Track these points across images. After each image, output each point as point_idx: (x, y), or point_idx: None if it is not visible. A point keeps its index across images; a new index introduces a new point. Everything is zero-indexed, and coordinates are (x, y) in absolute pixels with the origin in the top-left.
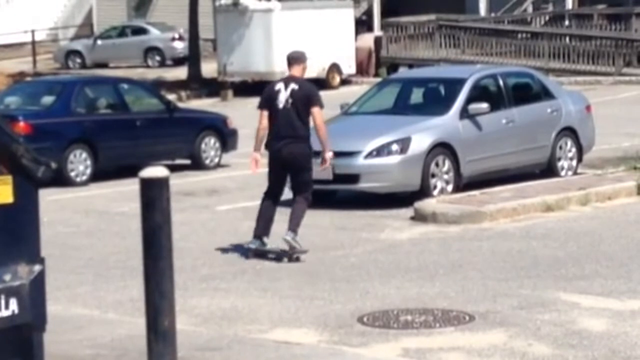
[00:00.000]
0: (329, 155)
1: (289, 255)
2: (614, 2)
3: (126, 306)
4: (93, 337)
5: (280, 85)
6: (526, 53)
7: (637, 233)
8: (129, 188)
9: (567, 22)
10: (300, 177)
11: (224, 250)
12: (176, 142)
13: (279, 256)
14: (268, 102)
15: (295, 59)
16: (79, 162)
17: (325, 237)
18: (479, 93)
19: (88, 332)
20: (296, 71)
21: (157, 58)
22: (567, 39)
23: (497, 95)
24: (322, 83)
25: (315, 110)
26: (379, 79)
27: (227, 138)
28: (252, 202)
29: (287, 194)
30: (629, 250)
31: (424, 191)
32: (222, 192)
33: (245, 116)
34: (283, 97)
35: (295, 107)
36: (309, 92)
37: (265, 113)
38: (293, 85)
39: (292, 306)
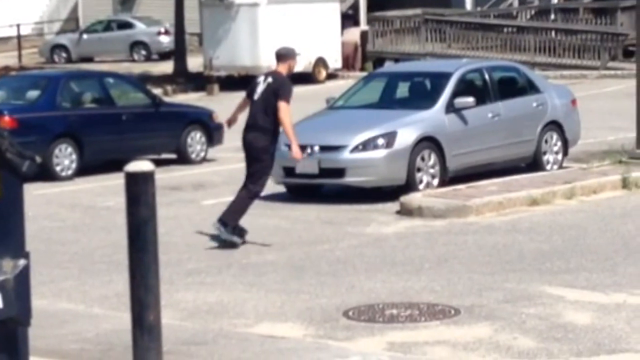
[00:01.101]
0: (294, 150)
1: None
2: None
3: (111, 300)
4: (78, 331)
5: (261, 78)
6: (512, 47)
7: (622, 227)
8: (115, 182)
9: (552, 16)
10: (252, 167)
11: (210, 244)
12: (162, 136)
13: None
14: (249, 93)
15: (281, 55)
16: (65, 157)
17: (311, 231)
18: (465, 87)
19: (73, 327)
20: (281, 67)
21: (143, 52)
22: (553, 33)
23: (482, 90)
24: (308, 77)
25: (280, 104)
26: (365, 73)
27: (213, 132)
28: None
29: (274, 188)
30: (614, 243)
31: (409, 185)
32: (208, 187)
33: (231, 110)
34: (259, 89)
35: (265, 100)
36: (279, 85)
37: (248, 101)
38: (269, 79)
39: (277, 300)
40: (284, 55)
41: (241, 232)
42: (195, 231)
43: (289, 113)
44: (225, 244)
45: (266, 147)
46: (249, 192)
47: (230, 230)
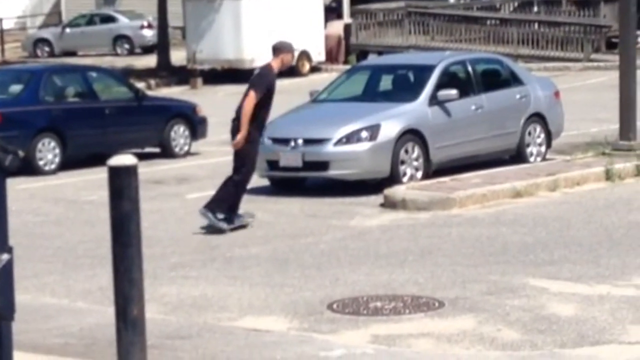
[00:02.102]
0: (237, 139)
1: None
2: None
3: (95, 295)
4: (62, 326)
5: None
6: (495, 39)
7: (605, 218)
8: (98, 176)
9: (535, 9)
10: (234, 156)
11: (194, 238)
12: (145, 130)
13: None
14: None
15: (275, 49)
16: (48, 151)
17: (295, 225)
18: (448, 79)
19: (57, 321)
20: (274, 61)
21: (126, 46)
22: (536, 25)
23: (466, 82)
24: (291, 70)
25: (248, 92)
26: (348, 66)
27: (196, 126)
28: None
29: (258, 181)
30: (597, 235)
31: (393, 178)
32: (192, 180)
33: (215, 104)
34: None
35: (246, 90)
36: (255, 75)
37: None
38: (256, 71)
39: (261, 293)
40: (276, 49)
41: (232, 220)
42: (181, 223)
43: (251, 103)
44: (212, 229)
45: (251, 133)
46: (232, 180)
47: (214, 216)
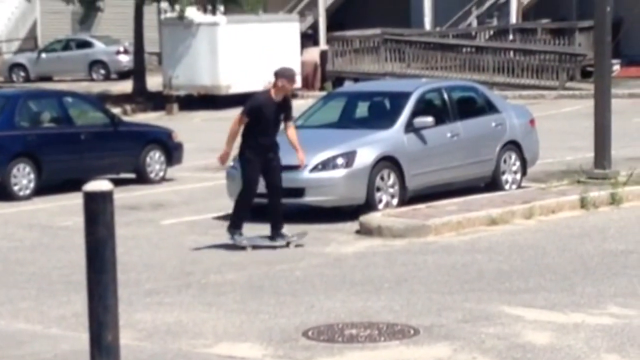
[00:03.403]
0: (222, 153)
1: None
2: (557, 17)
3: (69, 321)
4: (36, 352)
5: None
6: (471, 67)
7: (580, 247)
8: (73, 202)
9: (511, 37)
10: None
11: (169, 264)
12: (121, 155)
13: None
14: None
15: (274, 74)
16: (23, 176)
17: (271, 251)
18: (424, 107)
19: (31, 347)
20: (274, 86)
21: (102, 71)
22: (512, 53)
23: (442, 109)
24: None
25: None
26: (324, 93)
27: (172, 152)
28: (197, 216)
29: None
30: (572, 263)
31: (369, 205)
32: (167, 206)
33: (191, 130)
34: None
35: None
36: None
37: None
38: None
39: (236, 320)
40: (275, 75)
41: (275, 237)
42: (156, 249)
43: (234, 123)
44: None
45: (240, 155)
46: (238, 196)
47: (232, 233)
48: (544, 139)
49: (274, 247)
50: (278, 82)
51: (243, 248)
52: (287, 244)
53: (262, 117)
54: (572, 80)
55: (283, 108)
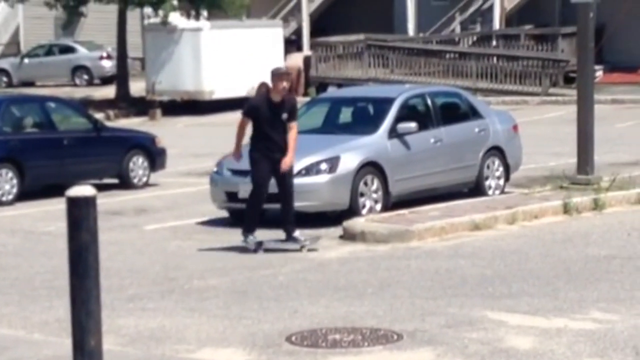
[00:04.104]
0: (233, 152)
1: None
2: (540, 23)
3: (52, 326)
4: (19, 357)
5: None
6: (454, 73)
7: (563, 252)
8: (56, 207)
9: (494, 43)
10: None
11: (152, 269)
12: (104, 161)
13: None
14: None
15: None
16: (5, 182)
17: (254, 256)
18: (408, 112)
19: (14, 353)
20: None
21: (85, 77)
22: (495, 59)
23: (425, 115)
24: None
25: None
26: (308, 99)
27: (155, 157)
28: (180, 221)
29: (216, 213)
30: (555, 268)
31: (352, 210)
32: (150, 212)
33: (174, 135)
34: None
35: None
36: None
37: None
38: None
39: (220, 326)
40: (270, 75)
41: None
42: (139, 255)
43: (238, 125)
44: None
45: (249, 156)
46: (248, 197)
47: (245, 236)
48: (527, 145)
49: (287, 251)
50: (273, 82)
51: (254, 251)
52: (301, 248)
53: (260, 117)
54: (555, 86)
55: (285, 109)
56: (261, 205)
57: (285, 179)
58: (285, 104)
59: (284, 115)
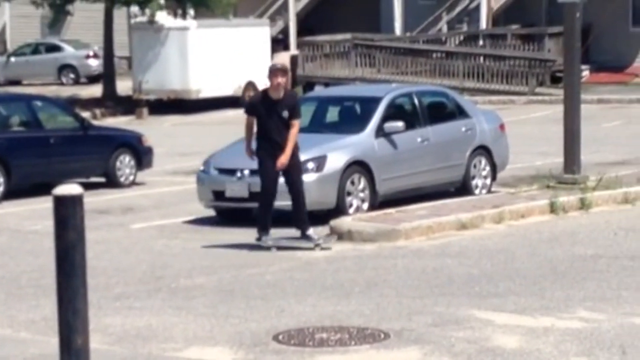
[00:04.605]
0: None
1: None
2: (527, 22)
3: (39, 325)
4: (5, 356)
5: None
6: (441, 72)
7: (550, 251)
8: (43, 206)
9: (481, 42)
10: None
11: (138, 268)
12: (90, 159)
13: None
14: None
15: None
16: None
17: (241, 255)
18: (395, 112)
19: (0, 352)
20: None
21: (72, 75)
22: (482, 58)
23: (412, 114)
24: (238, 101)
25: None
26: None
27: (142, 156)
28: (167, 220)
29: (203, 212)
30: (541, 267)
31: (339, 209)
32: (137, 210)
33: (161, 134)
34: None
35: None
36: None
37: None
38: None
39: (207, 324)
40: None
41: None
42: (126, 253)
43: (245, 123)
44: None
45: (256, 153)
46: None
47: (259, 235)
48: (513, 144)
49: (300, 249)
50: (270, 78)
51: (268, 249)
52: (314, 247)
53: (259, 114)
54: (541, 85)
55: (285, 106)
56: (271, 204)
57: (293, 177)
58: (286, 101)
59: (285, 113)
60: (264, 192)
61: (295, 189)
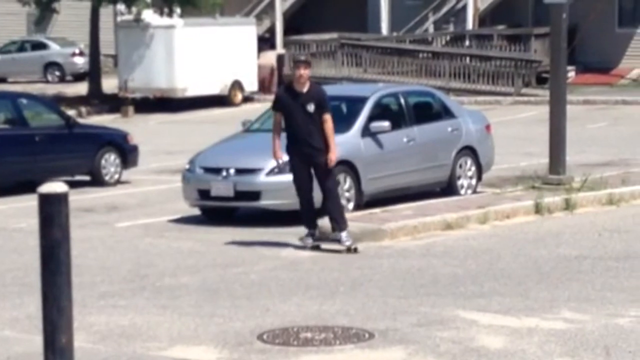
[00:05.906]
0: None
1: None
2: (513, 23)
3: (23, 323)
4: None
5: None
6: (427, 72)
7: (534, 251)
8: (27, 204)
9: (467, 43)
10: None
11: (123, 267)
12: (76, 158)
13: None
14: None
15: None
16: None
17: (226, 254)
18: (381, 111)
19: None
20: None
21: (57, 73)
22: (468, 59)
23: (398, 114)
24: (224, 100)
25: None
26: None
27: (127, 154)
28: (152, 218)
29: (189, 211)
30: (526, 268)
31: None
32: (122, 209)
33: (147, 132)
34: None
35: None
36: None
37: None
38: None
39: (191, 323)
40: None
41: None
42: (111, 252)
43: (273, 120)
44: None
45: (286, 150)
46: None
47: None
48: (499, 145)
49: (333, 251)
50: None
51: (303, 247)
52: (348, 250)
53: (285, 110)
54: (527, 86)
55: (312, 99)
56: (308, 201)
57: (321, 175)
58: (311, 93)
59: (311, 107)
60: (298, 194)
61: (325, 189)
